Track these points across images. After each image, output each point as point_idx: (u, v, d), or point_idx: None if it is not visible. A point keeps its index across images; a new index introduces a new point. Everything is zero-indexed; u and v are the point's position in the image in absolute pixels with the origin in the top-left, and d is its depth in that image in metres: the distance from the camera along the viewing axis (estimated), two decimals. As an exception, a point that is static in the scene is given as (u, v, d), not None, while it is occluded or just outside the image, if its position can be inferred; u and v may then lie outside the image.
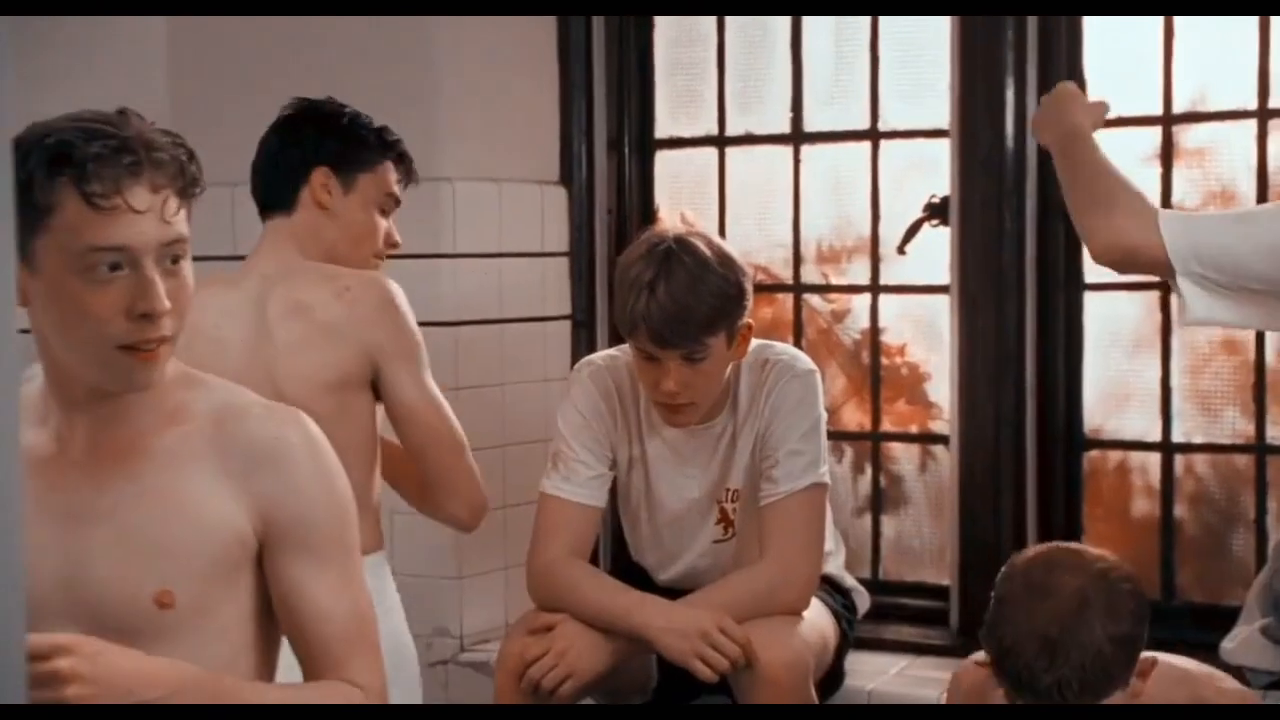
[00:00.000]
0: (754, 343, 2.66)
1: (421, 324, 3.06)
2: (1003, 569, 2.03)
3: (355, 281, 2.36)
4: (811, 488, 2.59)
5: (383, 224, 2.50)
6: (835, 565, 2.86)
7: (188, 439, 1.51)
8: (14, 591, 0.91)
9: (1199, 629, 2.74)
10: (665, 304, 2.46)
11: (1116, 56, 2.96)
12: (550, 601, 2.59)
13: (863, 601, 2.90)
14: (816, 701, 2.52)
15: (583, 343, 3.31)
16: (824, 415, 2.66)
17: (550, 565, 2.60)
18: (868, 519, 3.22)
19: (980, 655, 2.04)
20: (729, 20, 3.26)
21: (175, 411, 1.55)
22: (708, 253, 2.52)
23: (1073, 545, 2.08)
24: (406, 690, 2.45)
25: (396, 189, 2.52)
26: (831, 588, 2.81)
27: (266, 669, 1.62)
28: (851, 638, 2.84)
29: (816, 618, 2.64)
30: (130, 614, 1.50)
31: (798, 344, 3.19)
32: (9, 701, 0.90)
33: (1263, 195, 2.82)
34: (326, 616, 1.54)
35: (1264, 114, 2.84)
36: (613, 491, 2.75)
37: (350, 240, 2.46)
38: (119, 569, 1.51)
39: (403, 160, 2.52)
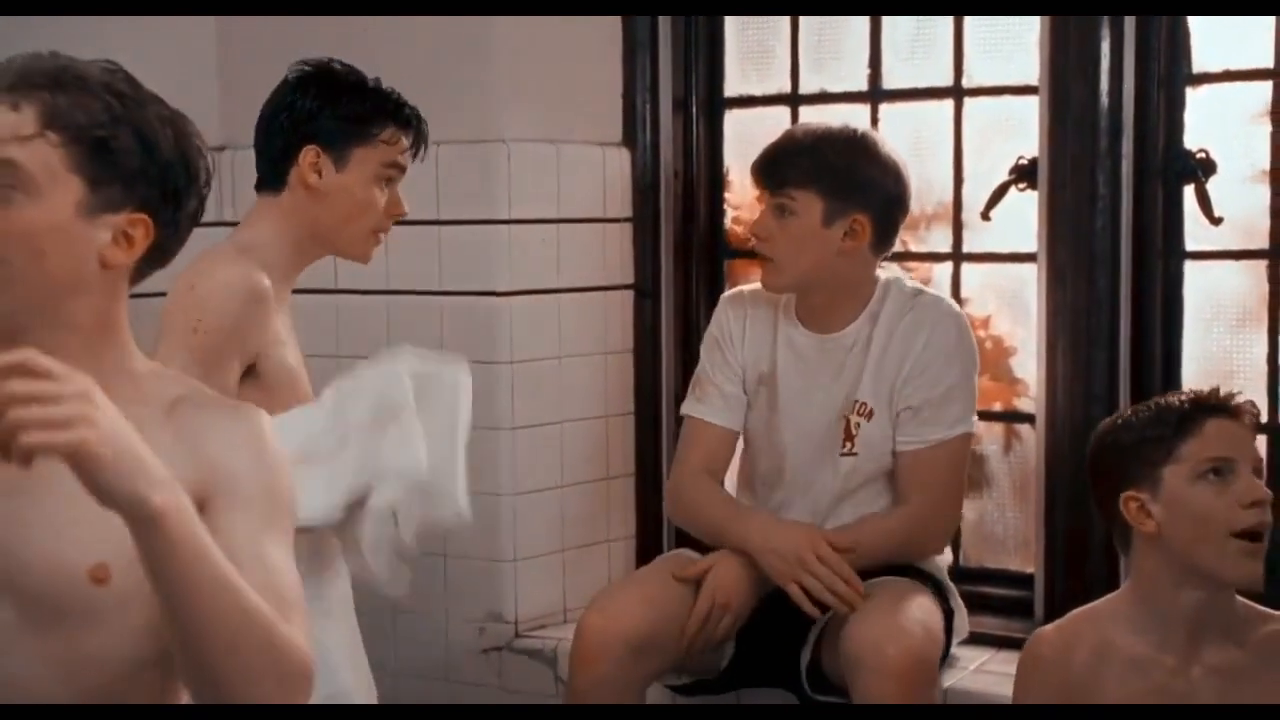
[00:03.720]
0: (906, 279, 2.71)
1: (474, 294, 2.99)
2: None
3: (183, 279, 2.17)
4: (956, 439, 2.61)
5: (382, 197, 2.34)
6: (942, 573, 2.73)
7: (137, 416, 1.41)
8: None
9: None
10: (780, 140, 2.65)
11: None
12: (678, 517, 2.79)
13: (962, 625, 2.75)
14: (940, 696, 2.45)
15: (646, 314, 3.19)
16: (976, 362, 2.68)
17: (679, 483, 2.73)
18: (947, 502, 3.07)
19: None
20: (803, -29, 3.12)
21: (132, 391, 1.50)
22: (871, 140, 2.63)
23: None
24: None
25: (402, 158, 2.35)
26: (937, 593, 2.65)
27: None
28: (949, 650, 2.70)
29: (930, 619, 2.52)
30: (64, 590, 1.44)
31: (874, 316, 3.06)
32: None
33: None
34: (275, 569, 1.47)
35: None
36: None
37: (341, 218, 2.32)
38: (53, 543, 1.45)
39: (410, 126, 2.35)
